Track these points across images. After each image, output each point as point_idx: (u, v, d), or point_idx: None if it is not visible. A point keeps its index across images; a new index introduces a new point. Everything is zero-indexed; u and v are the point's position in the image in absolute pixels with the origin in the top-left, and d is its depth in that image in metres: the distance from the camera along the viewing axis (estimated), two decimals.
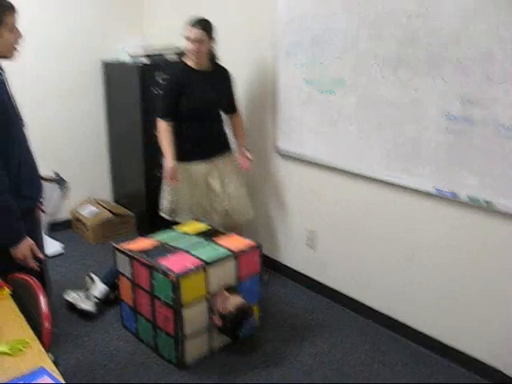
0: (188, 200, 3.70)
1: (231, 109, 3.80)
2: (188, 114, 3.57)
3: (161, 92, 3.74)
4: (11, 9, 2.34)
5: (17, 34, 2.38)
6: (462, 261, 2.89)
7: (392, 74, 2.95)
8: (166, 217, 3.78)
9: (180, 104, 3.54)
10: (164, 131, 3.57)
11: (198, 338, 3.05)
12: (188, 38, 3.44)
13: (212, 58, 3.62)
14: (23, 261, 2.40)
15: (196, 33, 3.42)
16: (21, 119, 2.51)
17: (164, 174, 3.59)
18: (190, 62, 3.55)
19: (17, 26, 2.38)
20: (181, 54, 3.62)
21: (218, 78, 3.67)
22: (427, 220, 3.01)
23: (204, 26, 3.45)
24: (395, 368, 3.02)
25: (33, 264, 2.43)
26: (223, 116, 3.79)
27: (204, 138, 3.64)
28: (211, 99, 3.61)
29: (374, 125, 3.12)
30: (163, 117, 3.58)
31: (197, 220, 3.67)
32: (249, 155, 3.73)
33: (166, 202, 3.76)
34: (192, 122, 3.60)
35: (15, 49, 2.41)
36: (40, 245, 2.70)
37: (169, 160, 3.53)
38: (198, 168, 3.65)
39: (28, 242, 2.41)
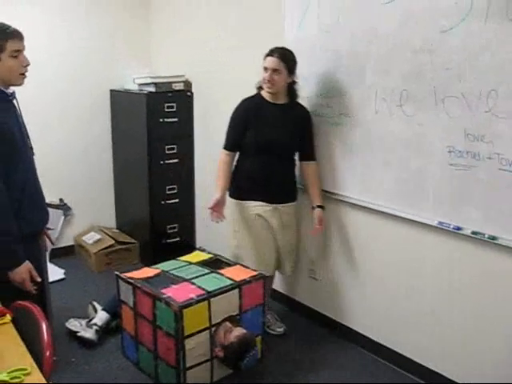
0: (250, 244, 3.41)
1: (306, 155, 3.44)
2: (253, 148, 3.31)
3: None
4: (14, 35, 2.34)
5: (21, 61, 2.37)
6: (465, 295, 2.87)
7: (397, 109, 2.98)
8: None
9: (245, 137, 3.31)
10: (222, 162, 3.35)
11: (199, 368, 3.01)
12: (264, 68, 3.22)
13: (291, 93, 3.35)
14: (21, 284, 2.40)
15: (271, 61, 3.19)
16: (30, 147, 2.53)
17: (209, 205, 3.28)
18: (265, 94, 3.33)
19: (23, 53, 2.38)
20: (259, 87, 3.35)
21: (293, 115, 3.36)
22: (431, 253, 3.00)
23: (281, 54, 3.20)
24: None
25: (30, 288, 2.43)
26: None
27: (267, 178, 3.33)
28: (280, 136, 3.30)
29: (380, 158, 3.13)
30: (224, 147, 3.37)
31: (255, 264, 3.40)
32: (322, 217, 3.39)
33: (231, 247, 3.52)
34: (256, 158, 3.32)
35: (22, 75, 2.40)
36: (44, 271, 2.70)
37: (217, 191, 3.28)
38: (258, 208, 3.35)
39: (27, 266, 2.42)
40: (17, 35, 2.36)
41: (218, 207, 3.26)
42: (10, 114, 2.42)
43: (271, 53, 3.21)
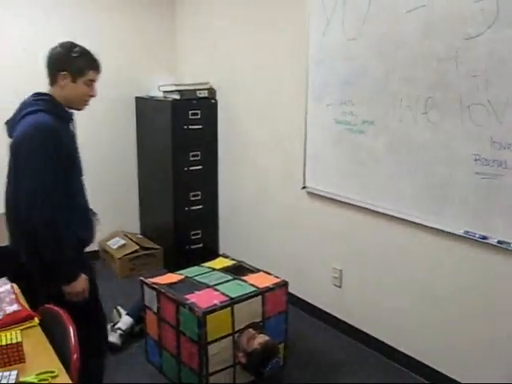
0: None
1: None
2: None
3: None
4: (97, 67, 2.53)
5: (92, 91, 2.51)
6: (490, 306, 2.84)
7: (422, 116, 2.97)
8: None
9: None
10: None
11: (222, 374, 3.02)
12: None
13: None
14: (80, 294, 2.45)
15: None
16: (80, 168, 2.60)
17: None
18: None
19: (95, 84, 2.53)
20: None
21: None
22: (456, 262, 2.97)
23: None
24: None
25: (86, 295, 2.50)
26: None
27: None
28: None
29: (404, 166, 3.12)
30: None
31: None
32: None
33: None
34: None
35: (85, 102, 2.54)
36: (96, 284, 2.77)
37: None
38: None
39: (84, 275, 2.48)
40: (98, 68, 2.54)
41: None
42: (70, 134, 2.54)
43: None
